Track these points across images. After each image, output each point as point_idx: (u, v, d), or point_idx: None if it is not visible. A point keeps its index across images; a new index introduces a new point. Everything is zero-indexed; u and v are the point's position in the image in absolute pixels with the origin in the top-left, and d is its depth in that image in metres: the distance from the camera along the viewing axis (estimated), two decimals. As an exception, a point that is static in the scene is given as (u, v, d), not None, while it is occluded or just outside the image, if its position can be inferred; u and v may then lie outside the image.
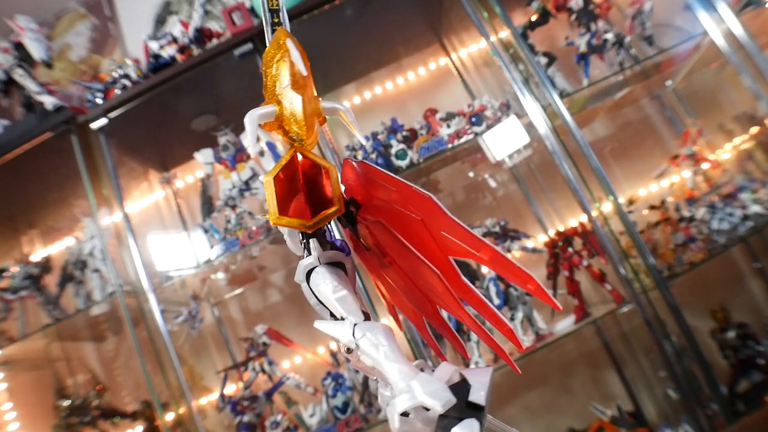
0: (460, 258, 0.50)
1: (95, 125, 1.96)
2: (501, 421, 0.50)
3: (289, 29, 0.56)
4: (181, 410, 1.80)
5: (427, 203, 0.50)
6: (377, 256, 0.57)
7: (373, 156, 1.89)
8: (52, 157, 1.99)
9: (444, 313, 0.57)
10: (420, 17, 2.28)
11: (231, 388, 2.01)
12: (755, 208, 1.77)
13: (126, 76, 1.97)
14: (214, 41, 1.99)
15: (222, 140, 1.99)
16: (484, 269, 1.87)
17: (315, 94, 0.55)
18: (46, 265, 2.08)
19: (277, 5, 0.56)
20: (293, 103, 0.51)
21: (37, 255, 2.38)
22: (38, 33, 1.98)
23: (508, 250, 1.89)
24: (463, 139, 1.89)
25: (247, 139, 0.56)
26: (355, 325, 0.49)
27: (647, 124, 2.31)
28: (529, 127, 1.86)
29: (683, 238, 1.80)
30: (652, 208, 1.95)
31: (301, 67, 0.51)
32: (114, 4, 2.77)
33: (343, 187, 0.55)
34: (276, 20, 0.56)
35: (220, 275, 2.18)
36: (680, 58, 2.01)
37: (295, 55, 0.52)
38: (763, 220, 1.76)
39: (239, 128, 2.04)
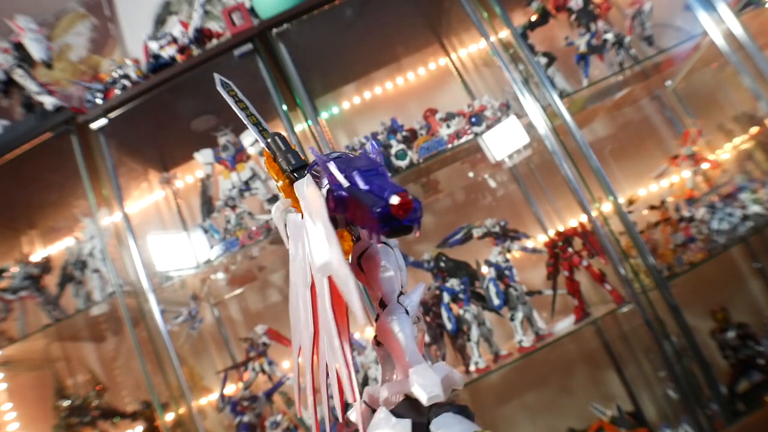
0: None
1: (95, 125, 1.96)
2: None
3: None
4: (181, 410, 1.80)
5: None
6: None
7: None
8: (52, 157, 1.99)
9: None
10: (420, 17, 2.28)
11: (231, 389, 2.01)
12: (755, 208, 1.77)
13: (126, 77, 1.97)
14: (214, 41, 1.99)
15: (222, 140, 1.99)
16: (484, 269, 1.87)
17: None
18: (46, 266, 2.08)
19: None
20: None
21: (37, 255, 2.38)
22: (38, 33, 1.97)
23: (508, 250, 1.88)
24: (463, 140, 1.89)
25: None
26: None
27: (647, 124, 2.31)
28: (529, 127, 1.85)
29: (683, 238, 1.80)
30: (652, 208, 1.94)
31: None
32: (114, 4, 2.77)
33: None
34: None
35: (220, 275, 2.18)
36: (680, 58, 2.01)
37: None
38: (763, 220, 1.76)
39: (239, 128, 2.04)
